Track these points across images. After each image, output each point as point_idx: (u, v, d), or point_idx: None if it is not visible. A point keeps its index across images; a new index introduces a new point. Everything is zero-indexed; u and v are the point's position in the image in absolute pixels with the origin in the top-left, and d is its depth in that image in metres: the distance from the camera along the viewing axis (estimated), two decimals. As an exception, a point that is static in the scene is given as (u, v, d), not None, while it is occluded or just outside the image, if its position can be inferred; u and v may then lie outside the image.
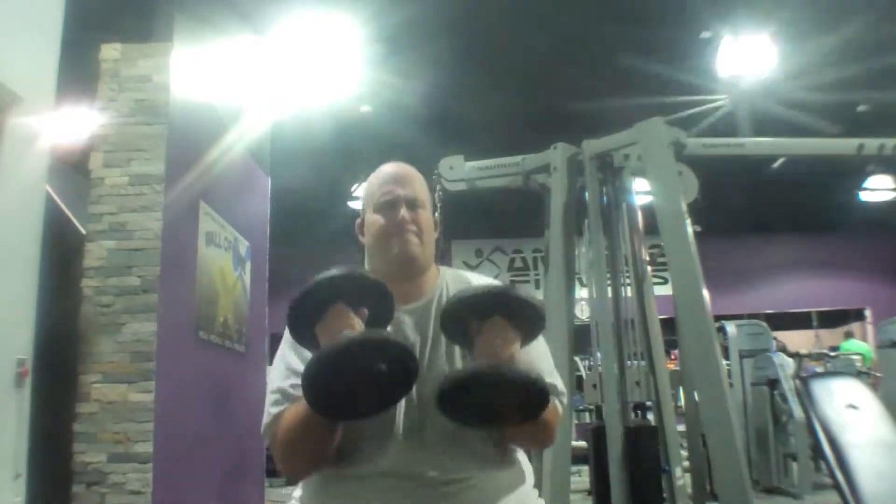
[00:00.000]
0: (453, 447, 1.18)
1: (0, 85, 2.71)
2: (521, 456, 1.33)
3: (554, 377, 1.30)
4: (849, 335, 9.77)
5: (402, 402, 1.17)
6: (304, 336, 1.14)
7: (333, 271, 1.10)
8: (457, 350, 1.25)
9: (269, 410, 1.22)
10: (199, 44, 4.14)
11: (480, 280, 1.36)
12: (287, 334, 1.25)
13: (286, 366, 1.23)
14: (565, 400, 1.33)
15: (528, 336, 1.18)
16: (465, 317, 1.15)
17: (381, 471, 1.16)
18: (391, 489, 1.15)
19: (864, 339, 9.95)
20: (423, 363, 1.22)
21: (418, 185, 1.34)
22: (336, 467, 1.19)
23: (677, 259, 3.08)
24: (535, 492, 1.31)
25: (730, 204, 7.52)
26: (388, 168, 1.36)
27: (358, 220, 1.37)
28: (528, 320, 1.16)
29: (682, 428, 3.50)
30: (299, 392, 1.12)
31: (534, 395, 1.10)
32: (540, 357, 1.29)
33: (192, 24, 4.01)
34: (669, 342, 3.55)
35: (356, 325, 1.09)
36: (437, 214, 1.38)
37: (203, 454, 3.96)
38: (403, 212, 1.28)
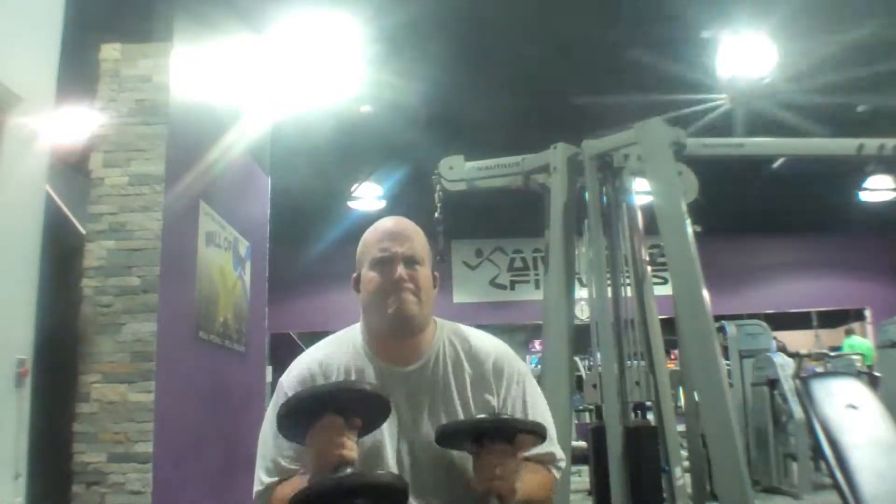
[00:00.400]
0: None
1: (0, 85, 2.70)
2: None
3: (553, 445, 1.29)
4: (850, 332, 9.78)
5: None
6: (295, 439, 1.14)
7: (326, 385, 1.10)
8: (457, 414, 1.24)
9: (262, 478, 1.23)
10: (199, 44, 4.14)
11: (481, 340, 1.34)
12: (279, 390, 1.27)
13: (274, 434, 1.20)
14: (563, 465, 1.33)
15: (528, 450, 1.19)
16: (463, 442, 1.14)
17: None
18: None
19: (864, 337, 9.95)
20: (419, 437, 1.22)
21: (417, 242, 1.30)
22: None
23: (677, 259, 3.08)
24: None
25: (730, 204, 7.51)
26: (386, 223, 1.32)
27: (354, 276, 1.33)
28: (529, 442, 1.16)
29: (682, 428, 3.50)
30: (292, 466, 1.17)
31: None
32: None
33: (192, 24, 4.01)
34: (669, 342, 3.55)
35: (347, 446, 1.06)
36: (435, 273, 1.34)
37: (203, 454, 3.96)
38: (400, 269, 1.25)
